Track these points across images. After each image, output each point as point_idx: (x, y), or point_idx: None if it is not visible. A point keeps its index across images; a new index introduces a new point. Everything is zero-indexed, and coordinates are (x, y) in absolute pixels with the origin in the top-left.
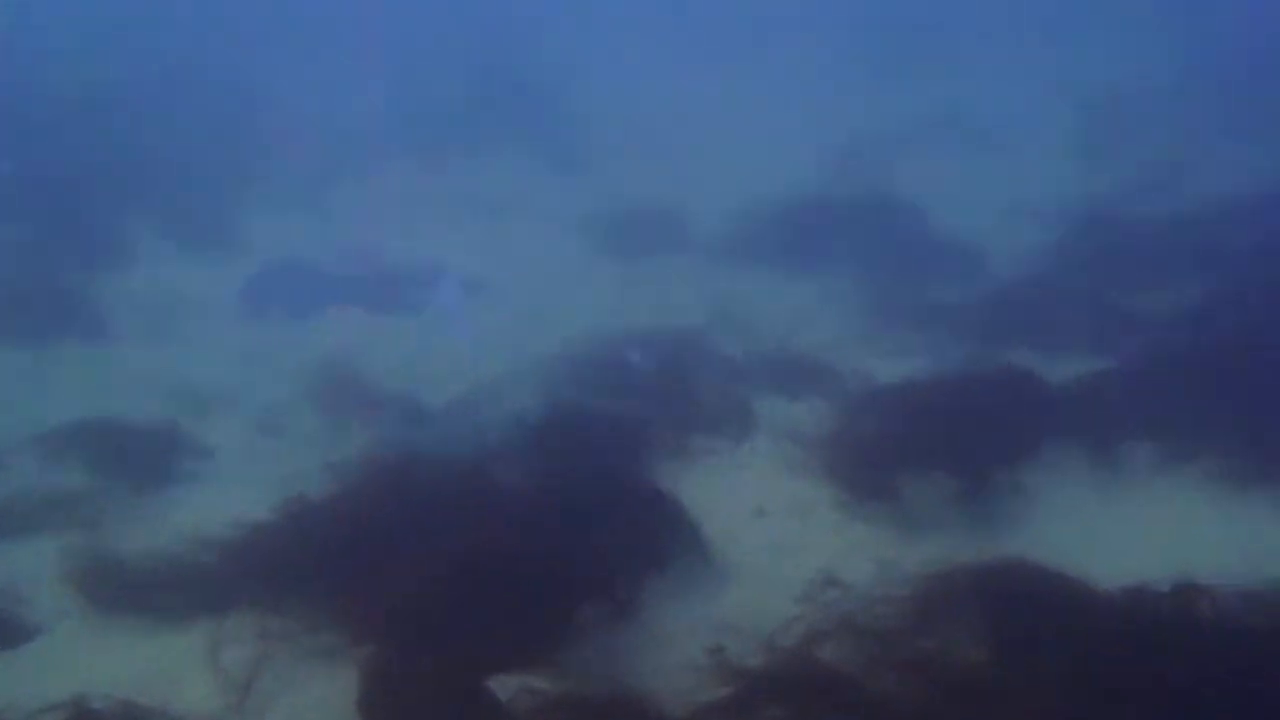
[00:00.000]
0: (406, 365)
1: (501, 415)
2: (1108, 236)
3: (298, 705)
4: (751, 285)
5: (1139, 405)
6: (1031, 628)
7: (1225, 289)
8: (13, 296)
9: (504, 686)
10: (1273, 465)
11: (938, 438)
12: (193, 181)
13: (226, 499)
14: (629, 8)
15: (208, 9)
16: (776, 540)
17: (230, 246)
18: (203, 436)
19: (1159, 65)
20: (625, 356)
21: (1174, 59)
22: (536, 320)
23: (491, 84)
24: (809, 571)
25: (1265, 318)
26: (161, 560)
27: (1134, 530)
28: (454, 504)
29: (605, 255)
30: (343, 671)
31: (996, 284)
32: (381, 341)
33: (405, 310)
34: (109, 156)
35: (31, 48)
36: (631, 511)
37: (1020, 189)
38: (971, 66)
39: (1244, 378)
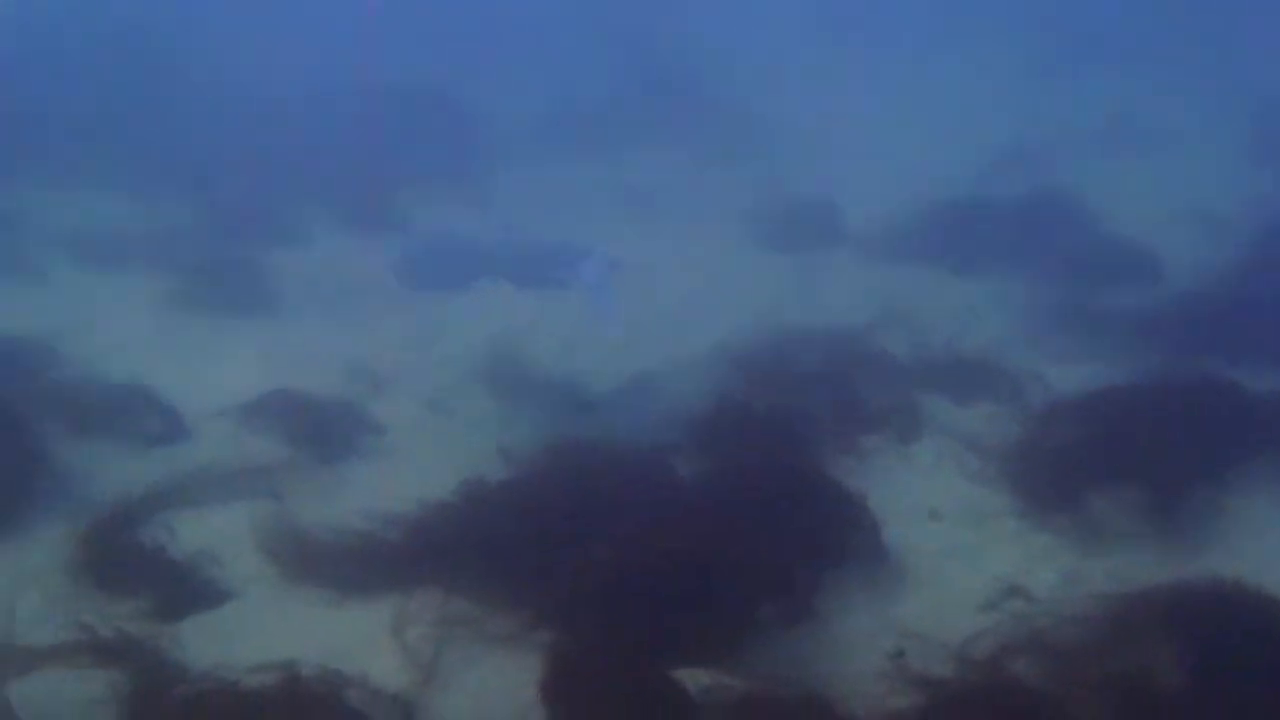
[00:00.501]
0: (564, 346)
1: (670, 406)
2: None
3: (481, 686)
4: (914, 284)
5: None
6: (1235, 652)
7: None
8: (196, 271)
9: (693, 680)
10: None
11: (1127, 448)
12: (363, 170)
13: (402, 476)
14: (787, 4)
15: (374, 9)
16: (953, 545)
17: (395, 230)
18: (376, 413)
19: None
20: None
21: None
22: (695, 310)
23: (648, 77)
24: (988, 579)
25: None
26: (346, 534)
27: None
28: (633, 494)
29: (762, 248)
30: (524, 656)
31: (1174, 289)
32: (534, 318)
33: (552, 286)
34: (286, 142)
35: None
36: (810, 507)
37: (1193, 193)
38: (1140, 69)
39: None
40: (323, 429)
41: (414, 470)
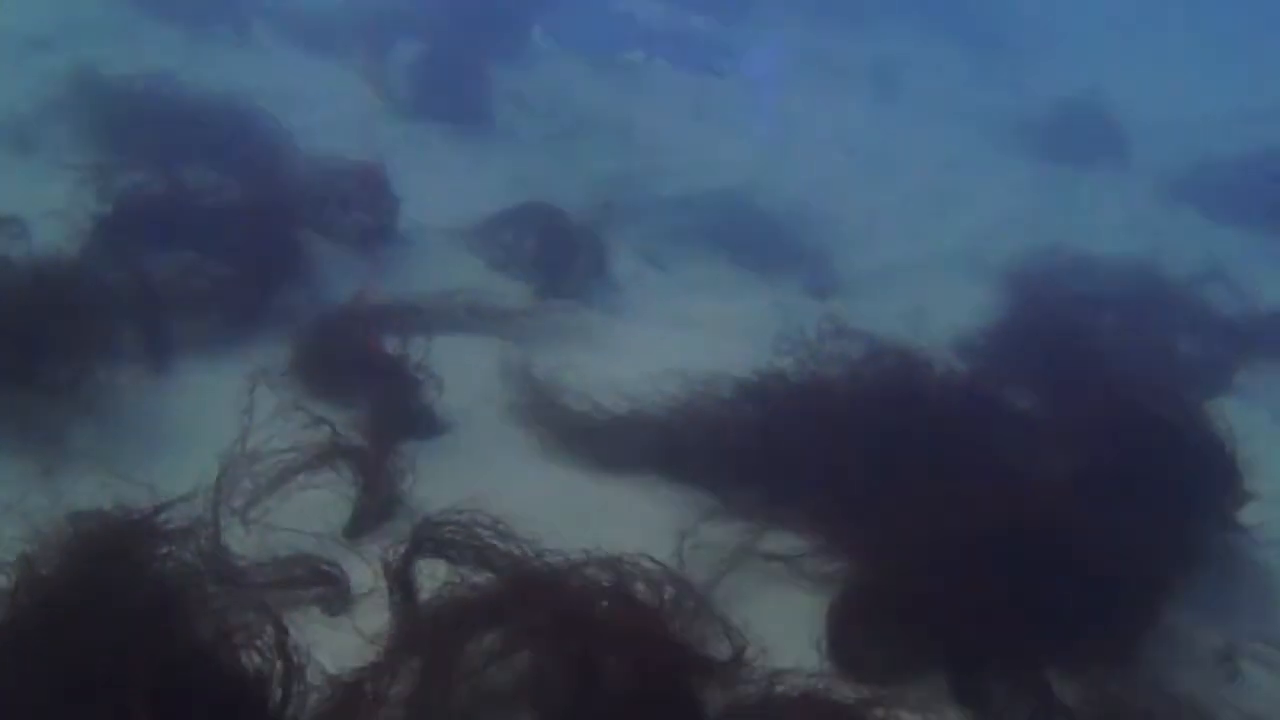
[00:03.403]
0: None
1: (932, 308)
2: None
3: (758, 614)
4: (1220, 229)
5: None
6: None
7: None
8: (429, 82)
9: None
10: None
11: None
12: None
13: (640, 340)
14: None
15: None
16: None
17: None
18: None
19: None
20: None
21: None
22: (935, 205)
23: None
24: None
25: None
26: (585, 392)
27: None
28: (964, 424)
29: (1017, 152)
30: (808, 595)
31: None
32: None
33: (709, 73)
34: None
35: None
36: (1175, 473)
37: None
38: None
39: None
40: (553, 265)
41: (659, 333)
